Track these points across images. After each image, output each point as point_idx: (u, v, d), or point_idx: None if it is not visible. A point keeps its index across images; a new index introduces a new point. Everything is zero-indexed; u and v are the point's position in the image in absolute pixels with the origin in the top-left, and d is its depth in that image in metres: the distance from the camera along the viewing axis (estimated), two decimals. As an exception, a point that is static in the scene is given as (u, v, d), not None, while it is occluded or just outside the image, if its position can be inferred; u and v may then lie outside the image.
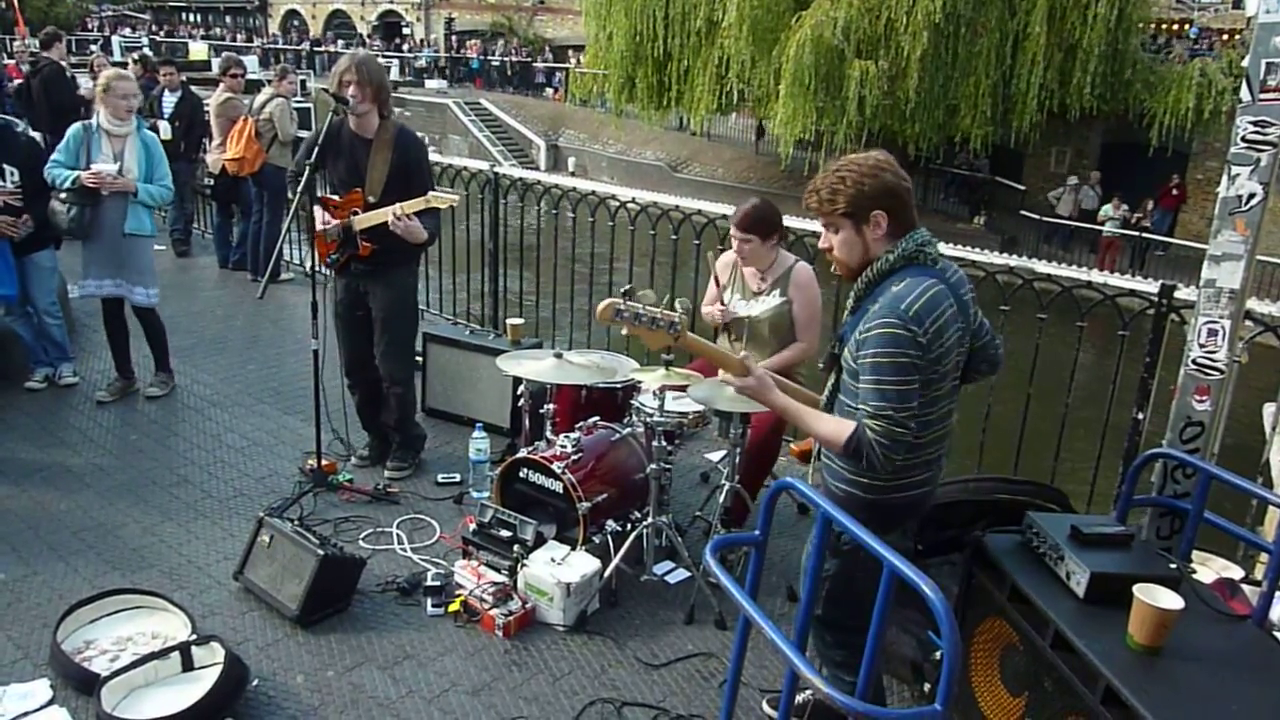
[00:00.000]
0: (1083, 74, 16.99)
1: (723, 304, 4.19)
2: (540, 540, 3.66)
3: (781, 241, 4.09)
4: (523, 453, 3.89)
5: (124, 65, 9.91)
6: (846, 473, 2.54)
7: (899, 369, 2.28)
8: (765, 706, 3.11)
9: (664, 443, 3.74)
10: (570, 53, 32.44)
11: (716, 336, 4.30)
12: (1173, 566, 2.51)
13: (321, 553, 3.43)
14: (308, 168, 4.05)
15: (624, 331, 2.81)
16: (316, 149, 4.09)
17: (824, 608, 2.65)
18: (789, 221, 4.29)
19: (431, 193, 4.13)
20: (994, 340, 2.69)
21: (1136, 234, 17.64)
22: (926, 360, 2.32)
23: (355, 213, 4.20)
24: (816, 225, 2.62)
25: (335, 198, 4.26)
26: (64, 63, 9.38)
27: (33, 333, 5.50)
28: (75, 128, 5.06)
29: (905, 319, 2.28)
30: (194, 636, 3.18)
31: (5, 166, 5.01)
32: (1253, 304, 3.36)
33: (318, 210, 4.29)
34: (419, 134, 4.63)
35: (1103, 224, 18.00)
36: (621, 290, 2.94)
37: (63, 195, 4.96)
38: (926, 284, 2.34)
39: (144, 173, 5.10)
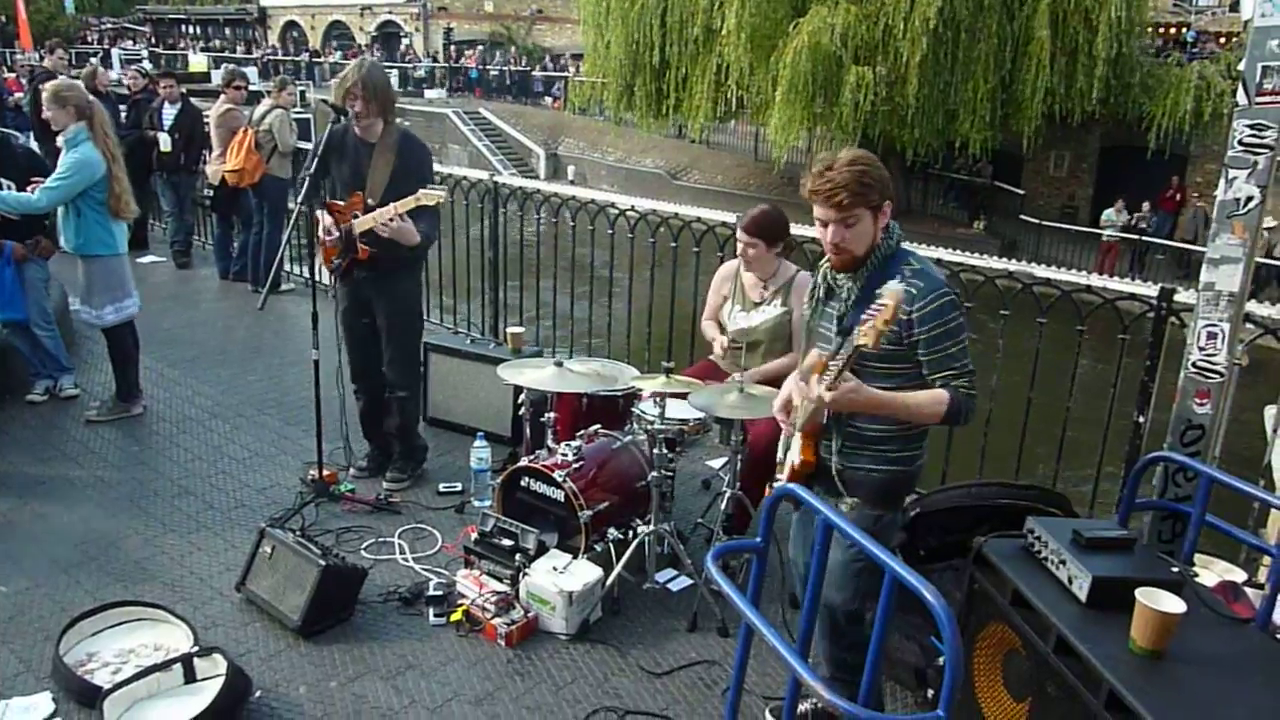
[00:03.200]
0: (1086, 78, 16.99)
1: (720, 324, 4.21)
2: (542, 549, 3.66)
3: (786, 251, 4.08)
4: (524, 461, 3.89)
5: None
6: (892, 453, 2.65)
7: (960, 329, 2.54)
8: (768, 715, 3.10)
9: (665, 450, 3.74)
10: (569, 61, 32.50)
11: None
12: (1175, 570, 2.51)
13: (323, 563, 3.44)
14: (309, 178, 4.07)
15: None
16: (318, 157, 4.11)
17: (859, 600, 2.75)
18: (792, 229, 4.28)
19: (421, 190, 4.07)
20: None
21: (1136, 237, 17.64)
22: None
23: (356, 216, 4.21)
24: (817, 231, 2.64)
25: (339, 202, 4.27)
26: (59, 72, 9.38)
27: (29, 345, 5.50)
28: None
29: (948, 285, 2.56)
30: (196, 648, 3.18)
31: (2, 180, 5.01)
32: (1252, 306, 3.36)
33: (322, 215, 4.30)
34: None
35: (1104, 228, 18.00)
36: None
37: None
38: (925, 255, 2.68)
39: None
